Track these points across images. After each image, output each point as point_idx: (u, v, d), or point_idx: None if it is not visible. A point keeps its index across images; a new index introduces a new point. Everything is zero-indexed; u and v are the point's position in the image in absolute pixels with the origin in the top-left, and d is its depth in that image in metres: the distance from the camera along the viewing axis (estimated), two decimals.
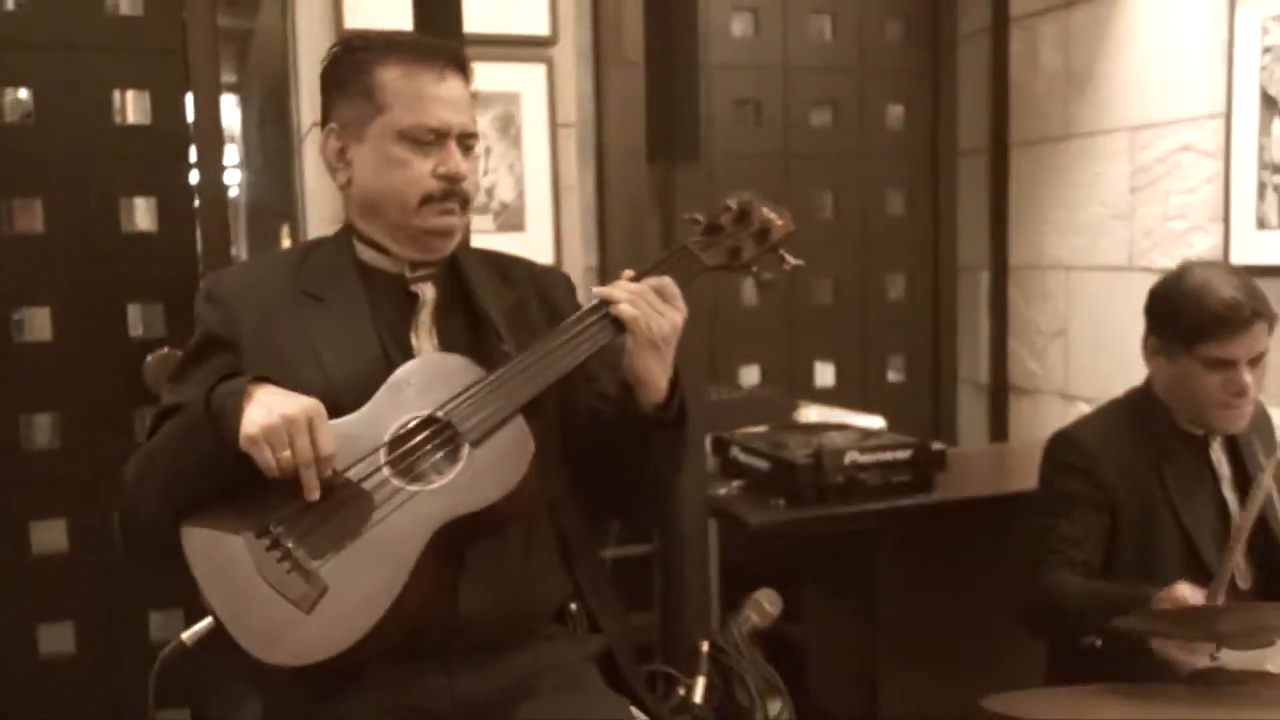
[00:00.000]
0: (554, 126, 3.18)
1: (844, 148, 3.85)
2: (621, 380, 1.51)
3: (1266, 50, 2.90)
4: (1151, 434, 1.96)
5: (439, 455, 1.37)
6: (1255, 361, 1.86)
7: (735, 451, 2.65)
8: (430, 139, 1.48)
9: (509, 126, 3.11)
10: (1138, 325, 3.38)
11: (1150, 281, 3.37)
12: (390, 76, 1.48)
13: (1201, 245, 3.13)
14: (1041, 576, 1.91)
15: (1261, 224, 2.92)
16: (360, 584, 1.32)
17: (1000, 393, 3.94)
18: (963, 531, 2.51)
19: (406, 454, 1.37)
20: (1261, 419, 2.11)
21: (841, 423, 2.84)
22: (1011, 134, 3.86)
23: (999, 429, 3.93)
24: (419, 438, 1.37)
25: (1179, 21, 3.17)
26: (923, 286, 3.97)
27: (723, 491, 2.57)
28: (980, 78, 3.91)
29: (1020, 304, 3.87)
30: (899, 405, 3.88)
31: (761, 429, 2.75)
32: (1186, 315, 1.85)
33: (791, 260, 1.59)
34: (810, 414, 3.31)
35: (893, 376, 3.97)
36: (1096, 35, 3.47)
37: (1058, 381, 3.70)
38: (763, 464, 2.53)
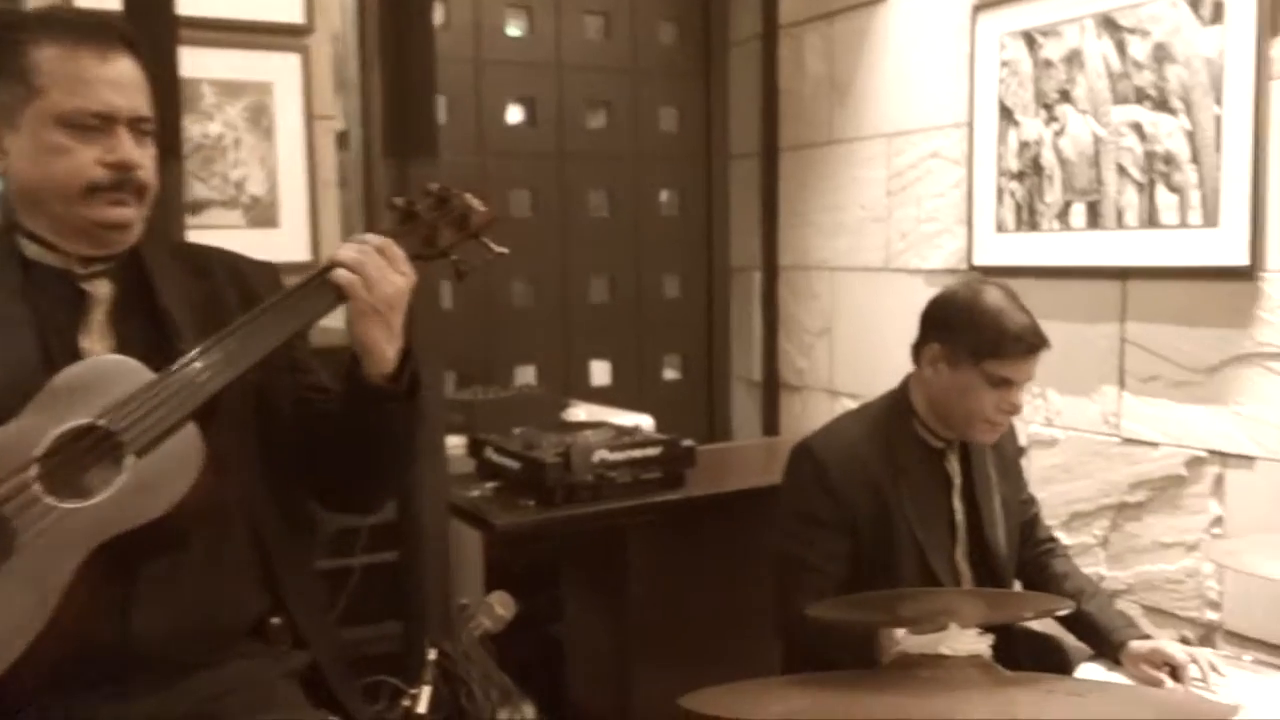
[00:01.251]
0: (310, 119, 3.07)
1: (618, 148, 3.86)
2: (350, 353, 1.44)
3: (1004, 64, 3.05)
4: (892, 445, 2.00)
5: (100, 467, 1.27)
6: (1025, 384, 1.95)
7: (489, 452, 2.61)
8: (95, 124, 1.38)
9: (260, 118, 2.98)
10: (895, 323, 3.52)
11: (905, 281, 3.56)
12: (46, 57, 1.37)
13: (950, 247, 3.28)
14: (797, 610, 1.93)
15: (1000, 227, 3.08)
16: (8, 612, 1.21)
17: (771, 389, 4.03)
18: (713, 526, 2.55)
19: (62, 467, 1.26)
20: (1006, 436, 2.18)
21: (602, 421, 2.84)
22: (781, 138, 3.96)
23: (771, 424, 4.03)
24: (76, 448, 1.27)
25: (928, 34, 3.31)
26: (697, 286, 4.03)
27: (476, 493, 2.53)
28: (752, 83, 4.00)
29: (790, 303, 3.97)
30: (674, 403, 3.93)
31: (520, 430, 2.72)
32: (983, 330, 1.89)
33: (495, 248, 1.55)
34: (579, 413, 3.30)
35: (668, 375, 4.01)
36: (856, 45, 3.59)
37: (824, 378, 3.81)
38: (514, 464, 2.50)
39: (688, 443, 2.56)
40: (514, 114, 3.76)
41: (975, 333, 1.90)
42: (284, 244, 2.89)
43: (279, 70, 2.97)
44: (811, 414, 3.86)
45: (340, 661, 1.59)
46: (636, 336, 3.92)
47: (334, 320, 1.49)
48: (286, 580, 1.52)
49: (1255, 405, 2.51)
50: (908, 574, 1.96)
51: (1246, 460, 2.54)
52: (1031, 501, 2.24)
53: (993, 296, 1.96)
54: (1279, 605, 2.47)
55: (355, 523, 2.44)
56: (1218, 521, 2.60)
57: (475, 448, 2.68)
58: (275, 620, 1.51)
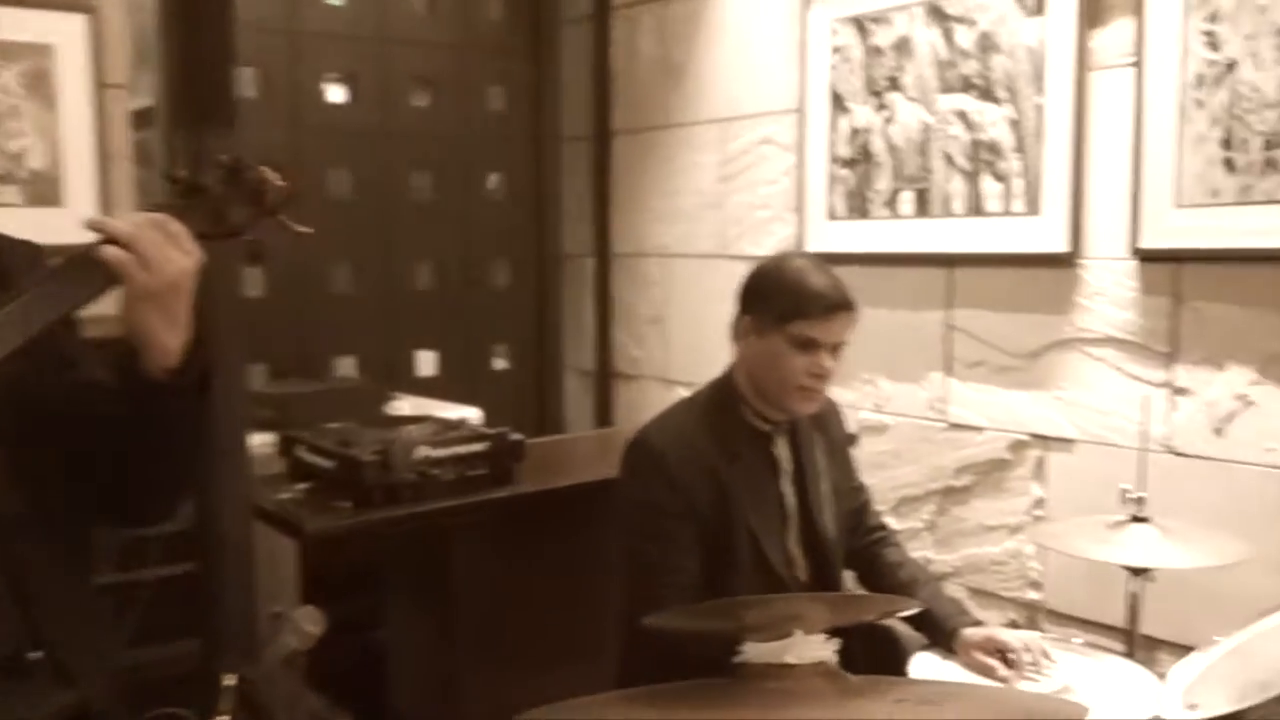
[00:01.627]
0: (100, 88, 2.79)
1: (444, 128, 3.70)
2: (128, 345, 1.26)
3: (836, 50, 3.04)
4: (723, 431, 1.95)
5: None
6: (836, 350, 1.91)
7: (301, 451, 2.43)
8: None
9: (40, 84, 2.69)
10: (729, 311, 3.49)
11: (739, 268, 3.50)
12: None
13: (782, 234, 3.26)
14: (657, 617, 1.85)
15: (831, 214, 3.07)
16: None
17: (605, 379, 3.95)
18: (544, 524, 2.45)
19: None
20: (830, 413, 2.17)
21: (426, 415, 2.69)
22: (614, 121, 3.87)
23: (604, 415, 3.95)
24: None
25: (762, 19, 3.28)
26: (527, 273, 3.90)
27: (286, 496, 2.35)
28: (584, 63, 3.89)
29: (623, 291, 3.89)
30: (505, 394, 3.80)
31: (337, 425, 2.54)
32: (785, 293, 1.89)
33: (297, 228, 1.39)
34: (403, 406, 3.14)
35: (498, 365, 3.88)
36: (691, 28, 3.53)
37: (658, 366, 3.75)
38: (329, 464, 2.33)
39: (516, 437, 2.44)
40: (333, 90, 3.55)
41: (779, 296, 1.90)
42: (67, 225, 2.62)
43: (61, 32, 2.69)
44: (646, 403, 3.79)
45: (118, 697, 1.40)
46: (464, 325, 3.76)
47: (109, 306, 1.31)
48: (46, 607, 1.33)
49: (1075, 389, 2.56)
50: (743, 560, 1.91)
51: (1066, 443, 2.59)
52: (861, 489, 2.21)
53: (796, 262, 1.99)
54: (1096, 584, 2.53)
55: (148, 531, 2.22)
56: (1039, 503, 2.65)
57: (286, 446, 2.49)
58: (32, 655, 1.32)
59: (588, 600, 2.51)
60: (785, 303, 1.89)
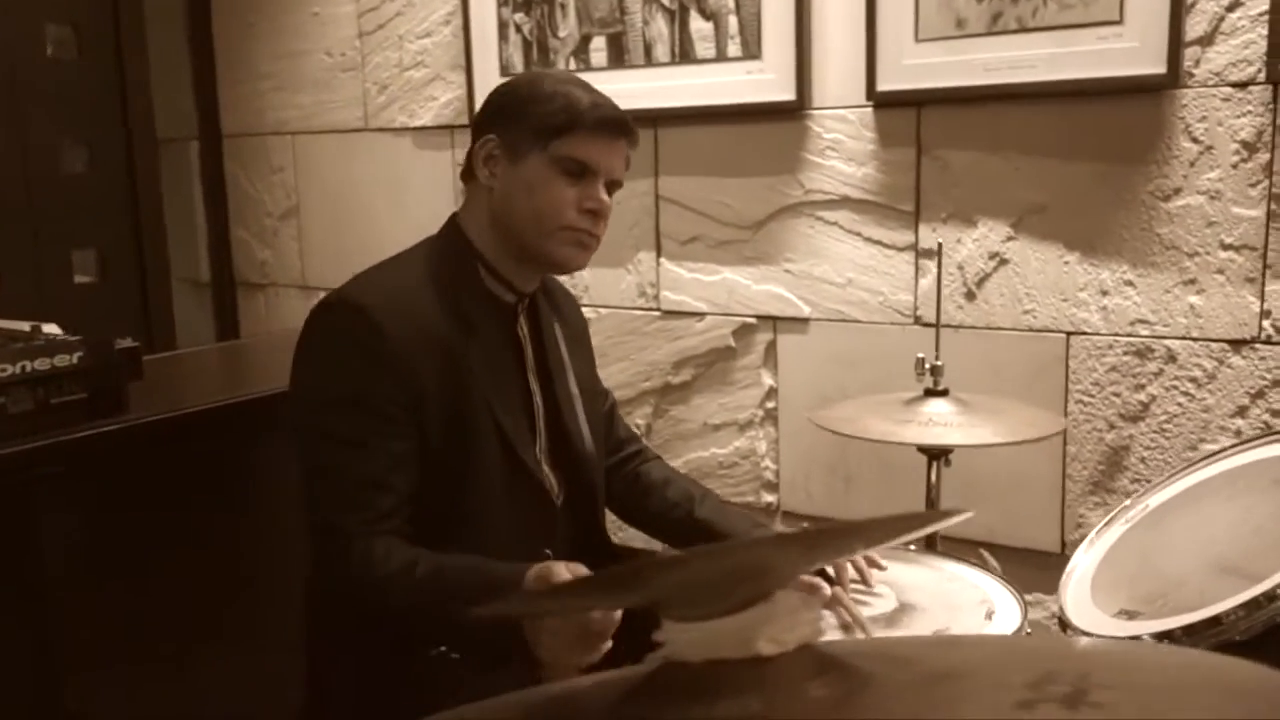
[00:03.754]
0: None
1: None
2: None
3: None
4: (455, 297, 1.42)
5: None
6: (610, 188, 1.45)
7: None
8: None
9: None
10: (381, 196, 2.88)
11: (390, 144, 2.90)
12: None
13: (445, 98, 2.69)
14: (349, 555, 1.29)
15: (506, 71, 2.54)
16: None
17: (226, 290, 3.22)
18: (171, 465, 1.77)
19: None
20: (565, 295, 1.67)
21: None
22: None
23: (229, 335, 3.22)
24: None
25: None
26: (111, 161, 3.04)
27: None
28: None
29: (241, 180, 3.16)
30: (94, 312, 2.97)
31: None
32: (551, 105, 1.41)
33: None
34: None
35: (80, 278, 3.02)
36: None
37: (293, 271, 3.08)
38: None
39: (127, 343, 1.73)
40: None
41: (541, 108, 1.42)
42: None
43: None
44: (281, 317, 3.12)
45: None
46: (31, 227, 2.87)
47: None
48: None
49: (807, 261, 2.24)
50: (491, 469, 1.40)
51: (799, 323, 2.27)
52: (608, 393, 1.75)
53: (560, 74, 1.61)
54: (833, 477, 2.26)
55: None
56: (771, 394, 2.33)
57: None
58: None
59: (244, 560, 1.89)
60: (551, 115, 1.40)
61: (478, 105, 2.50)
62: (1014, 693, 0.51)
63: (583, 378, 1.59)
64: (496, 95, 1.49)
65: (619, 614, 1.13)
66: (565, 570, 1.20)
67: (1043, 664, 0.55)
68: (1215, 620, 1.07)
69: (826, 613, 1.38)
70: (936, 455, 1.66)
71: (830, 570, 1.42)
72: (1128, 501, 1.51)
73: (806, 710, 0.53)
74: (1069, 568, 1.39)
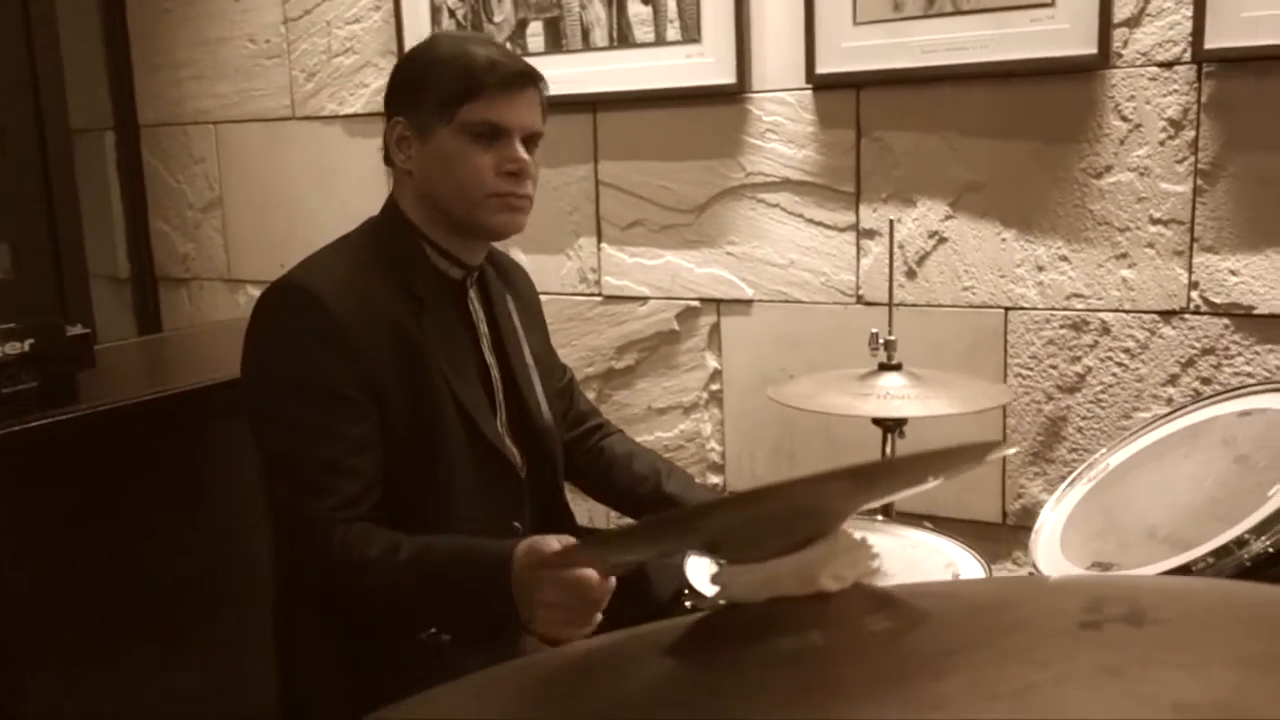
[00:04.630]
0: None
1: None
2: None
3: None
4: (403, 276, 1.41)
5: None
6: (530, 142, 1.43)
7: None
8: None
9: None
10: (308, 186, 2.83)
11: (318, 133, 2.86)
12: None
13: (376, 85, 2.65)
14: (326, 543, 1.26)
15: None
16: None
17: (147, 285, 3.12)
18: (120, 453, 1.71)
19: None
20: (515, 268, 1.67)
21: None
22: None
23: (151, 331, 3.13)
24: None
25: None
26: (23, 153, 2.93)
27: None
28: None
29: (161, 172, 3.07)
30: (8, 309, 2.85)
31: None
32: (446, 74, 1.38)
33: None
34: None
35: None
36: None
37: (218, 264, 3.00)
38: None
39: (78, 330, 1.66)
40: None
41: (437, 78, 1.40)
42: None
43: None
44: (205, 311, 3.04)
45: None
46: None
47: None
48: None
49: (749, 243, 2.26)
50: (455, 447, 1.39)
51: (742, 305, 2.29)
52: (564, 367, 1.75)
53: (449, 35, 1.61)
54: (778, 456, 2.29)
55: None
56: (715, 376, 2.35)
57: None
58: None
59: (213, 555, 1.84)
60: (448, 84, 1.38)
61: None
62: (1073, 616, 0.52)
63: (537, 349, 1.58)
64: (396, 73, 1.48)
65: (613, 581, 1.13)
66: (556, 542, 1.19)
67: (1092, 591, 0.57)
68: (1185, 569, 1.11)
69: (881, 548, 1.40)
70: (891, 427, 1.69)
71: None
72: (1091, 460, 1.56)
73: (869, 642, 0.54)
74: (1036, 525, 1.43)
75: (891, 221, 1.89)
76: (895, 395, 1.61)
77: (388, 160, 1.46)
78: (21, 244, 2.91)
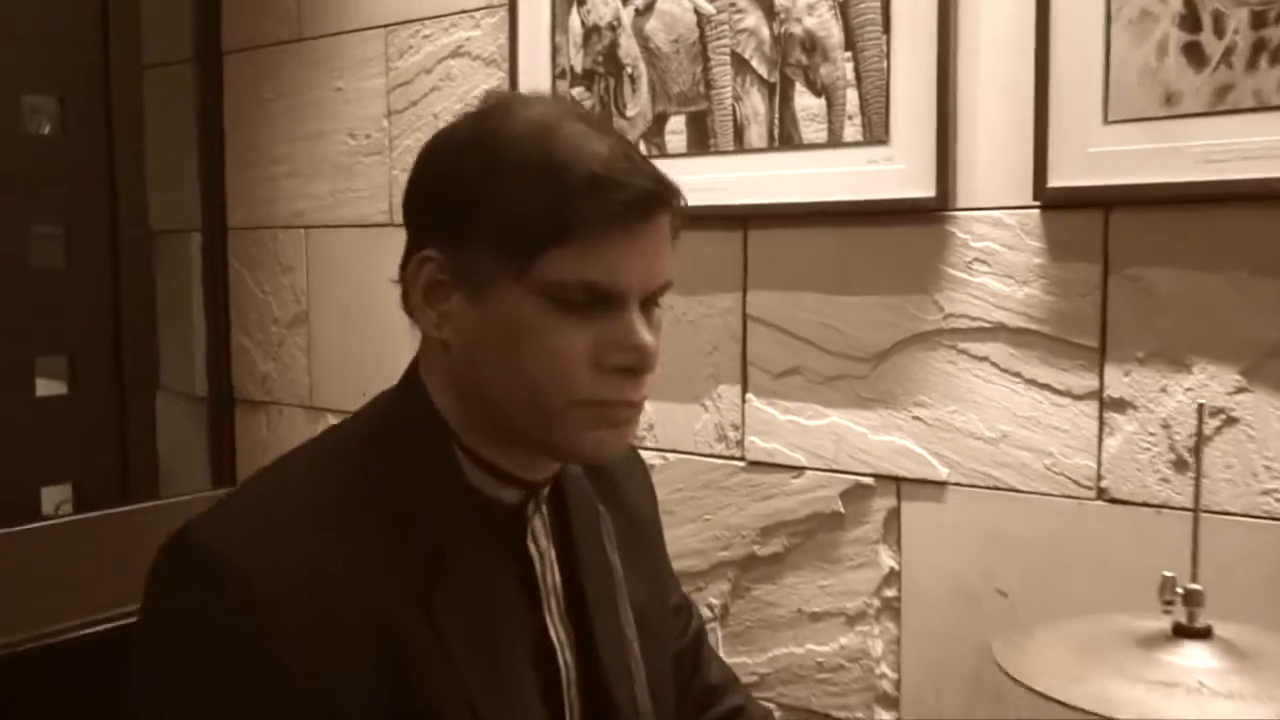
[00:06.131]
0: None
1: None
2: None
3: None
4: (417, 506, 0.87)
5: None
6: (651, 303, 0.89)
7: None
8: None
9: None
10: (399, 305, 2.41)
11: None
12: None
13: None
14: None
15: None
16: None
17: (223, 407, 2.74)
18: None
19: None
20: (625, 465, 1.12)
21: None
22: (225, 37, 2.70)
23: (224, 462, 2.74)
24: None
25: None
26: (94, 254, 2.60)
27: None
28: None
29: (245, 280, 2.71)
30: (59, 433, 2.51)
31: None
32: (521, 190, 0.83)
33: None
34: None
35: (45, 388, 2.56)
36: None
37: (300, 388, 2.60)
38: None
39: None
40: None
41: (505, 196, 0.83)
42: None
43: None
44: (283, 440, 2.63)
45: None
46: None
47: None
48: None
49: (943, 406, 1.71)
50: None
51: (933, 488, 1.73)
52: (684, 607, 1.20)
53: (535, 110, 0.90)
54: (976, 694, 1.69)
55: None
56: (893, 579, 1.77)
57: None
58: None
59: None
60: (523, 208, 0.83)
61: None
62: None
63: (645, 599, 1.03)
64: (426, 167, 0.91)
65: None
66: None
67: None
68: None
69: None
70: None
71: None
72: None
73: None
74: None
75: (1202, 406, 1.29)
76: (1214, 690, 1.01)
77: (408, 308, 0.93)
78: (80, 356, 2.56)
